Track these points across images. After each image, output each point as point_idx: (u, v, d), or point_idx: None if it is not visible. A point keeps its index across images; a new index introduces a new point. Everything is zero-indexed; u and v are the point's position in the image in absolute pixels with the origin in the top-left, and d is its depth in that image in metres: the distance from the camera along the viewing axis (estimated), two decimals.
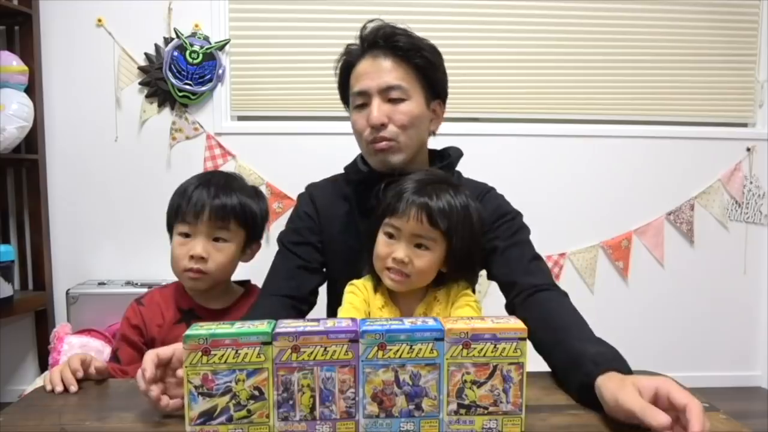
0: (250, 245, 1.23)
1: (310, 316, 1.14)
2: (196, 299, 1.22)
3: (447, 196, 0.98)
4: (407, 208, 0.96)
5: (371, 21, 1.13)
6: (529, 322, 0.93)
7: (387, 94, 1.09)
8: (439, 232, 0.96)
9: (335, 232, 1.17)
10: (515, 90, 2.56)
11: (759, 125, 2.67)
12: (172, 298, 1.22)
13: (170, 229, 1.21)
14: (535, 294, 1.02)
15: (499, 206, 1.15)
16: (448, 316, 0.95)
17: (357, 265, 1.07)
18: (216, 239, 1.16)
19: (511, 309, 1.06)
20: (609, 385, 0.74)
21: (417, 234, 0.97)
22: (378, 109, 1.08)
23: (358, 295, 1.03)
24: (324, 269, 1.19)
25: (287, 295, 1.11)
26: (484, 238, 1.09)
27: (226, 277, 1.22)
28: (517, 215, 1.15)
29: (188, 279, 1.17)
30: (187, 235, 1.16)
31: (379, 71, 1.09)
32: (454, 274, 1.02)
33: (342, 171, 1.25)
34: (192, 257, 1.14)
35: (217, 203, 1.14)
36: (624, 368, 0.79)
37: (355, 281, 1.06)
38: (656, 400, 0.69)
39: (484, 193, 1.17)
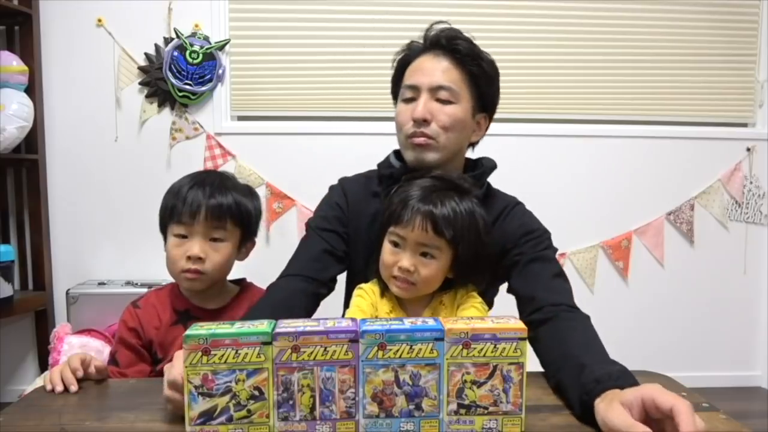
0: (245, 244, 1.23)
1: (319, 314, 1.14)
2: (191, 300, 1.22)
3: (452, 202, 0.98)
4: (412, 217, 0.96)
5: (438, 22, 1.15)
6: (546, 343, 0.93)
7: (436, 93, 1.10)
8: (444, 240, 0.96)
9: (362, 227, 1.17)
10: (515, 90, 2.55)
11: (759, 125, 2.67)
12: (167, 299, 1.22)
13: (163, 229, 1.20)
14: (555, 315, 0.97)
15: (525, 223, 1.13)
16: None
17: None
18: (213, 239, 1.16)
19: (527, 325, 1.03)
20: (600, 407, 0.72)
21: (422, 243, 0.97)
22: (424, 105, 1.09)
23: (365, 298, 1.03)
24: (347, 260, 1.19)
25: (309, 276, 1.11)
26: (508, 254, 1.09)
27: (223, 277, 1.22)
28: (545, 233, 1.13)
29: (185, 280, 1.16)
30: (183, 236, 1.15)
31: (434, 69, 1.10)
32: (461, 280, 1.03)
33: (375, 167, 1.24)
34: (189, 258, 1.14)
35: (213, 203, 1.14)
36: (629, 383, 0.74)
37: (363, 285, 1.06)
38: (646, 411, 0.67)
39: (512, 206, 1.16)
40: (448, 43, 1.11)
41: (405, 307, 1.04)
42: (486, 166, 1.18)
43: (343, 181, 1.25)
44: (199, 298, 1.22)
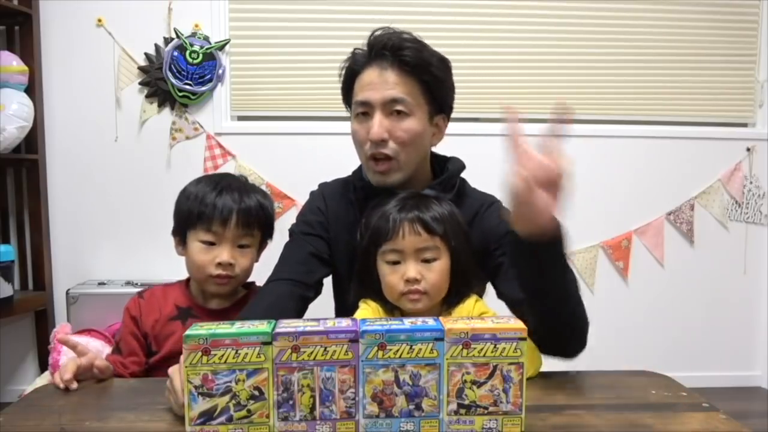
0: (262, 246, 1.25)
1: (312, 313, 1.14)
2: (197, 299, 1.22)
3: (431, 204, 0.99)
4: (399, 226, 0.95)
5: (381, 28, 1.10)
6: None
7: (390, 107, 1.07)
8: (438, 238, 0.96)
9: (342, 233, 1.17)
10: (516, 90, 2.55)
11: (759, 125, 2.67)
12: (172, 294, 1.23)
13: (180, 233, 1.20)
14: None
15: (506, 221, 1.13)
16: None
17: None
18: (240, 246, 1.17)
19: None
20: (511, 223, 0.86)
21: (420, 248, 0.95)
22: (379, 124, 1.07)
23: (369, 314, 1.01)
24: (332, 264, 1.19)
25: (296, 279, 1.11)
26: (493, 254, 1.09)
27: (247, 279, 1.23)
28: None
29: (215, 284, 1.17)
30: (210, 243, 1.15)
31: (384, 83, 1.07)
32: (462, 281, 1.00)
33: (350, 173, 1.24)
34: (219, 264, 1.14)
35: (244, 207, 1.15)
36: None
37: (368, 301, 1.03)
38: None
39: (488, 204, 1.16)
40: (395, 54, 1.07)
41: None
42: (453, 169, 1.17)
43: (323, 187, 1.26)
44: (203, 298, 1.22)
